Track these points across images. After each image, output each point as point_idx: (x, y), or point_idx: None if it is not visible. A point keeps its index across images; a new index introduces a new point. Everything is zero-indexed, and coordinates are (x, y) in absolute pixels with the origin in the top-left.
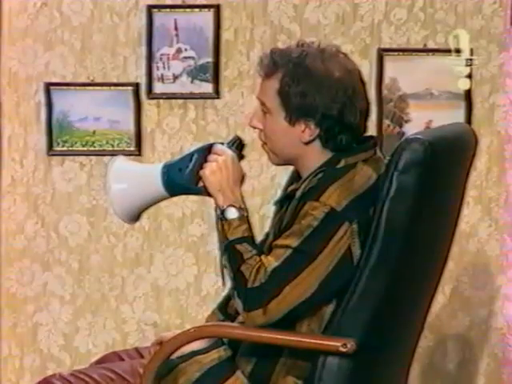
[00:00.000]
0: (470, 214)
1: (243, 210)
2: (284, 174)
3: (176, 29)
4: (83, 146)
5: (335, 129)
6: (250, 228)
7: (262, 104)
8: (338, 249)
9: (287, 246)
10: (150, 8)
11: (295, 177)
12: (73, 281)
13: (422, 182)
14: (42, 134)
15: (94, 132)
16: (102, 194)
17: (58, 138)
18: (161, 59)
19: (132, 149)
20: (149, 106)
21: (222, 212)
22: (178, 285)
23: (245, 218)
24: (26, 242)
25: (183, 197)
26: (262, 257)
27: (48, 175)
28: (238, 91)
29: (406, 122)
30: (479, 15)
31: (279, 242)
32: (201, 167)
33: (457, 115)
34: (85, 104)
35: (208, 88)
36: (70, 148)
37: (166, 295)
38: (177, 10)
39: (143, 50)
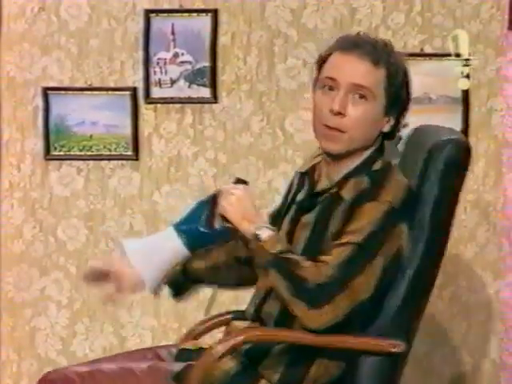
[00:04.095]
0: (467, 219)
1: (273, 228)
2: (281, 178)
3: (173, 33)
4: (80, 150)
5: (398, 126)
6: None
7: (362, 88)
8: (391, 248)
9: (348, 243)
10: (148, 12)
11: (301, 182)
12: (70, 285)
13: (461, 183)
14: (40, 139)
15: (91, 136)
16: (100, 198)
17: (55, 143)
18: (158, 64)
19: (129, 153)
20: (146, 111)
21: (256, 236)
22: None
23: (278, 233)
24: (24, 246)
25: (181, 200)
26: (321, 257)
27: (45, 180)
28: (236, 96)
29: (404, 126)
30: (477, 19)
31: (337, 241)
32: (213, 212)
33: (454, 119)
34: (82, 108)
35: (205, 92)
36: (68, 152)
37: (164, 300)
38: (174, 14)
39: (140, 54)
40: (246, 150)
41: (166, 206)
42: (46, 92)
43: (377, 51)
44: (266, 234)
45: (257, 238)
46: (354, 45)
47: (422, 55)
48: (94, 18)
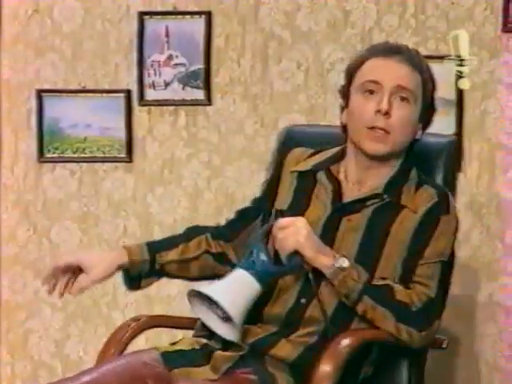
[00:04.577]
0: (461, 221)
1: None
2: None
3: (167, 35)
4: (74, 152)
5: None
6: None
7: (406, 90)
8: None
9: (439, 262)
10: (142, 15)
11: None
12: None
13: None
14: (33, 141)
15: (84, 139)
16: (93, 200)
17: (48, 145)
18: (152, 66)
19: (123, 155)
20: (140, 113)
21: (339, 267)
22: (170, 292)
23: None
24: (18, 248)
25: (174, 202)
26: (416, 278)
27: (39, 182)
28: (230, 98)
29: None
30: (470, 22)
31: (427, 261)
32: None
33: (448, 122)
34: (76, 111)
35: (199, 95)
36: (61, 155)
37: (158, 302)
38: (168, 16)
39: (134, 56)
40: (239, 152)
41: (159, 208)
42: (40, 94)
43: (413, 57)
44: (346, 263)
45: (340, 269)
46: (391, 51)
47: None
48: (87, 21)
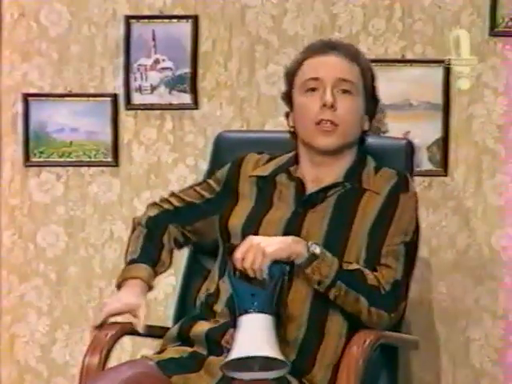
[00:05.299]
0: (447, 225)
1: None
2: None
3: (154, 39)
4: (60, 156)
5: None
6: None
7: (347, 82)
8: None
9: (401, 243)
10: (128, 18)
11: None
12: (50, 292)
13: None
14: (19, 145)
15: (70, 143)
16: (80, 204)
17: (34, 149)
18: (138, 70)
19: (109, 160)
20: (126, 117)
21: (313, 253)
22: (157, 295)
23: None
24: (4, 253)
25: None
26: (382, 260)
27: (25, 186)
28: (216, 102)
29: (384, 132)
30: (457, 26)
31: (391, 244)
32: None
33: (434, 126)
34: (62, 115)
35: (186, 99)
36: (47, 159)
37: (145, 306)
38: (155, 20)
39: (121, 60)
40: None
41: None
42: (26, 98)
43: (349, 50)
44: (317, 249)
45: (314, 255)
46: (327, 46)
47: (403, 61)
48: (74, 25)
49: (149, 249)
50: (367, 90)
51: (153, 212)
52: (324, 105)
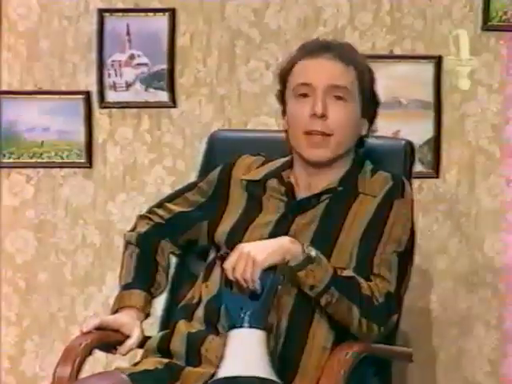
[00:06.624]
0: (439, 230)
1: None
2: None
3: (128, 34)
4: (30, 157)
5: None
6: None
7: (340, 89)
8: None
9: (394, 252)
10: (101, 12)
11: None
12: (19, 300)
13: None
14: None
15: (42, 143)
16: (50, 208)
17: (4, 150)
18: (112, 66)
19: (82, 161)
20: (100, 116)
21: (308, 256)
22: None
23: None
24: None
25: (137, 210)
26: (375, 270)
27: None
28: (195, 100)
29: (373, 131)
30: (448, 20)
31: (384, 253)
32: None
33: (426, 125)
34: (32, 114)
35: (163, 96)
36: (17, 160)
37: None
38: (129, 14)
39: (94, 56)
40: None
41: (121, 216)
42: None
43: (345, 52)
44: (313, 252)
45: (309, 258)
46: (321, 48)
47: (391, 57)
48: (44, 18)
49: (143, 271)
50: (365, 92)
51: (143, 227)
52: (314, 114)
